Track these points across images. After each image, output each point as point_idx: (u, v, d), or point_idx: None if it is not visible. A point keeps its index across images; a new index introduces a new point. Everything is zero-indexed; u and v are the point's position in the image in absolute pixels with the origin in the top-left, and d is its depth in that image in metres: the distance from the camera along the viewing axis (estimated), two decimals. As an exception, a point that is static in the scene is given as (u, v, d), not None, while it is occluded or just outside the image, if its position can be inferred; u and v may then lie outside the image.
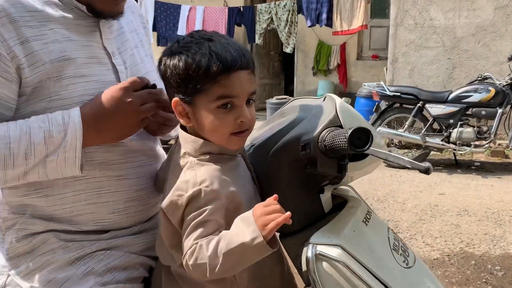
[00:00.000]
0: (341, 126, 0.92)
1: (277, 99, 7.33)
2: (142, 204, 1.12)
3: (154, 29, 8.73)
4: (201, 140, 0.95)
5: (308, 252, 0.94)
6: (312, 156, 0.91)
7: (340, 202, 1.08)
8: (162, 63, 0.95)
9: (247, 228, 0.84)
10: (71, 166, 0.96)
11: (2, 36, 0.92)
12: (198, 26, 8.52)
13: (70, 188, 1.02)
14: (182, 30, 8.62)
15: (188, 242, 0.88)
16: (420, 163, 0.83)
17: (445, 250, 3.25)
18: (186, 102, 0.92)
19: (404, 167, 5.35)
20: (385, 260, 0.98)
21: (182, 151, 0.98)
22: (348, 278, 0.91)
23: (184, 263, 0.89)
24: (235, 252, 0.84)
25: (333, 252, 0.92)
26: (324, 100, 1.05)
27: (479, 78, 5.27)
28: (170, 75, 0.92)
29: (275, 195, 0.87)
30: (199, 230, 0.87)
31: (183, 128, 1.00)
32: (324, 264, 0.92)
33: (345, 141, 0.82)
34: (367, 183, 4.86)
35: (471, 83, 5.34)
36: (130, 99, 0.97)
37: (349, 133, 0.81)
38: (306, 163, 0.93)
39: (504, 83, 5.08)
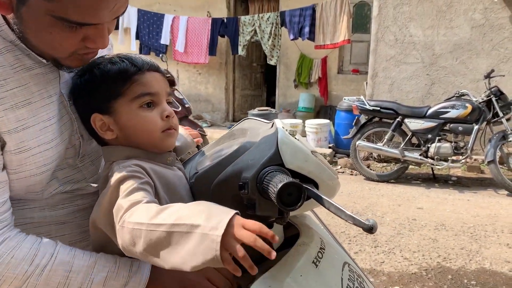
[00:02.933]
0: (282, 165, 0.84)
1: (259, 110, 7.36)
2: (86, 245, 1.02)
3: (137, 38, 8.70)
4: (126, 147, 0.93)
5: None
6: (250, 198, 0.83)
7: (295, 234, 1.01)
8: (74, 87, 0.94)
9: (213, 215, 0.69)
10: None
11: None
12: (181, 36, 8.52)
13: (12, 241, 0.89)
14: (165, 39, 8.61)
15: (122, 201, 0.79)
16: (363, 220, 0.72)
17: (423, 264, 3.28)
18: (106, 112, 0.91)
19: (387, 180, 5.42)
20: None
21: (107, 164, 0.93)
22: None
23: (117, 220, 0.78)
24: (180, 232, 0.69)
25: None
26: (271, 127, 0.97)
27: (457, 95, 5.39)
28: (85, 91, 0.92)
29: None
30: (136, 193, 0.80)
31: (104, 144, 0.97)
32: None
33: (274, 196, 0.74)
34: (346, 195, 4.89)
35: (448, 99, 5.46)
36: None
37: (277, 188, 0.73)
38: (246, 203, 0.85)
39: (481, 100, 5.20)
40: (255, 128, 1.04)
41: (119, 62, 0.92)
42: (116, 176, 0.84)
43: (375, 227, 0.72)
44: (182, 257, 0.69)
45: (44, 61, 0.89)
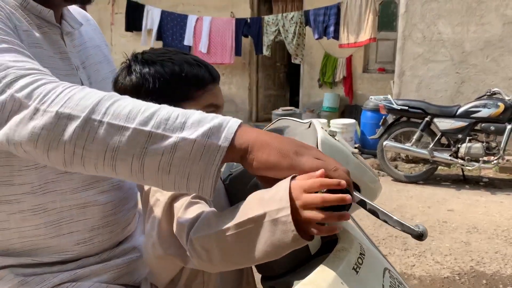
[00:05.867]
0: None
1: (283, 110, 7.31)
2: (109, 231, 1.02)
3: (159, 38, 8.72)
4: None
5: None
6: None
7: (333, 240, 0.96)
8: (134, 73, 0.90)
9: (272, 196, 0.66)
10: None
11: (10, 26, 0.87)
12: (205, 37, 8.53)
13: (28, 222, 0.92)
14: (189, 41, 8.63)
15: (182, 220, 0.76)
16: (412, 226, 0.66)
17: (455, 268, 3.17)
18: None
19: (416, 181, 5.29)
20: None
21: None
22: None
23: (184, 241, 0.75)
24: (249, 228, 0.66)
25: None
26: (309, 127, 0.92)
27: (488, 93, 5.22)
28: (149, 83, 0.88)
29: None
30: (192, 208, 0.78)
31: None
32: None
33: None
34: (374, 197, 4.79)
35: (480, 98, 5.28)
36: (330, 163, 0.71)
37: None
38: None
39: (514, 99, 5.03)
40: (291, 128, 0.99)
41: (196, 66, 0.91)
42: (166, 195, 0.82)
43: (426, 234, 0.67)
44: (264, 251, 0.66)
45: (48, 20, 0.97)
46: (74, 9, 1.15)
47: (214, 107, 0.92)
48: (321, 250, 0.91)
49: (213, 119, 0.68)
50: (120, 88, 0.92)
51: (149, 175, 0.67)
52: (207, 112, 0.86)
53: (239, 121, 0.69)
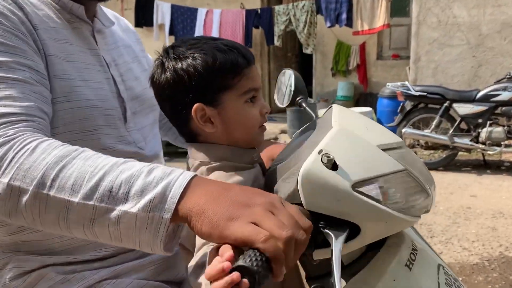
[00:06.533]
0: (301, 204, 0.68)
1: (297, 101, 7.24)
2: None
3: (171, 33, 8.71)
4: (213, 145, 0.89)
5: None
6: None
7: None
8: (168, 70, 0.86)
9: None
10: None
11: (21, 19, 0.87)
12: (215, 29, 8.48)
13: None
14: (199, 34, 8.58)
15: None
16: None
17: (484, 254, 3.14)
18: (211, 104, 0.86)
19: (436, 168, 5.22)
20: None
21: (195, 164, 0.89)
22: None
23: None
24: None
25: None
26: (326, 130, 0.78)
27: (508, 76, 5.13)
28: (185, 80, 0.84)
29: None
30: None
31: (190, 139, 0.93)
32: None
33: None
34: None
35: (499, 81, 5.20)
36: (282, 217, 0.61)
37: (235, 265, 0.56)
38: None
39: (535, 81, 4.93)
40: (322, 124, 0.90)
41: (227, 51, 0.86)
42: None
43: None
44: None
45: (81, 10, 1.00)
46: (106, 8, 1.15)
47: (253, 91, 0.89)
48: (370, 246, 0.85)
49: (157, 185, 0.64)
50: (157, 86, 0.89)
51: (106, 241, 0.68)
52: (247, 98, 0.88)
53: (186, 180, 0.65)
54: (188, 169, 0.92)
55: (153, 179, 0.65)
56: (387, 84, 5.82)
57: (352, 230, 0.69)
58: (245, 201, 0.62)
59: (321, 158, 0.68)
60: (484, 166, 5.38)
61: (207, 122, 0.87)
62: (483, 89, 5.12)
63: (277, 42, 8.23)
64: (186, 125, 0.90)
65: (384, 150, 0.77)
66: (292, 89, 1.05)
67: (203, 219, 0.61)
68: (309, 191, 0.67)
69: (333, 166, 0.68)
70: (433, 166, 5.34)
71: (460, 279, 2.82)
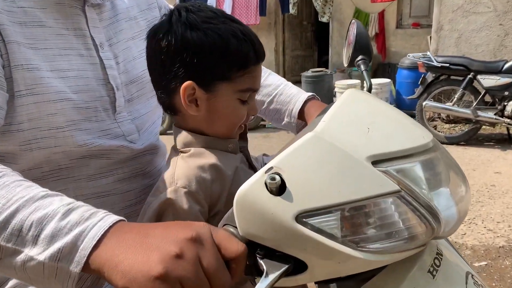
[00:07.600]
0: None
1: (312, 72, 7.01)
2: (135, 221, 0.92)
3: (182, 1, 8.48)
4: (188, 133, 0.87)
5: None
6: None
7: None
8: (174, 34, 0.78)
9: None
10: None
11: None
12: (228, -2, 8.22)
13: None
14: (212, 3, 8.33)
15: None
16: None
17: (511, 236, 3.00)
18: (204, 87, 0.81)
19: (457, 142, 5.03)
20: None
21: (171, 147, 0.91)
22: None
23: None
24: None
25: None
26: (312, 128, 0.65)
27: (537, 46, 4.85)
28: (188, 54, 0.78)
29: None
30: None
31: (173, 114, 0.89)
32: None
33: None
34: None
35: (528, 51, 4.92)
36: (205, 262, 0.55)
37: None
38: None
39: None
40: (319, 118, 0.73)
41: (242, 40, 0.80)
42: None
43: None
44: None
45: None
46: None
47: (251, 91, 0.85)
48: None
49: (70, 232, 0.56)
50: (155, 44, 0.81)
51: (18, 279, 0.62)
52: (243, 96, 0.83)
53: (103, 228, 0.56)
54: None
55: (67, 224, 0.57)
56: (408, 54, 5.58)
57: (300, 264, 0.58)
58: (164, 247, 0.54)
59: (265, 179, 0.56)
60: (508, 141, 5.16)
61: (192, 103, 0.82)
62: (510, 60, 4.86)
63: (292, 10, 7.97)
64: (170, 97, 0.85)
65: (386, 161, 0.61)
66: (352, 46, 0.94)
67: (117, 273, 0.54)
68: (244, 217, 0.58)
69: (280, 189, 0.56)
70: (454, 141, 5.15)
71: (485, 263, 2.70)
